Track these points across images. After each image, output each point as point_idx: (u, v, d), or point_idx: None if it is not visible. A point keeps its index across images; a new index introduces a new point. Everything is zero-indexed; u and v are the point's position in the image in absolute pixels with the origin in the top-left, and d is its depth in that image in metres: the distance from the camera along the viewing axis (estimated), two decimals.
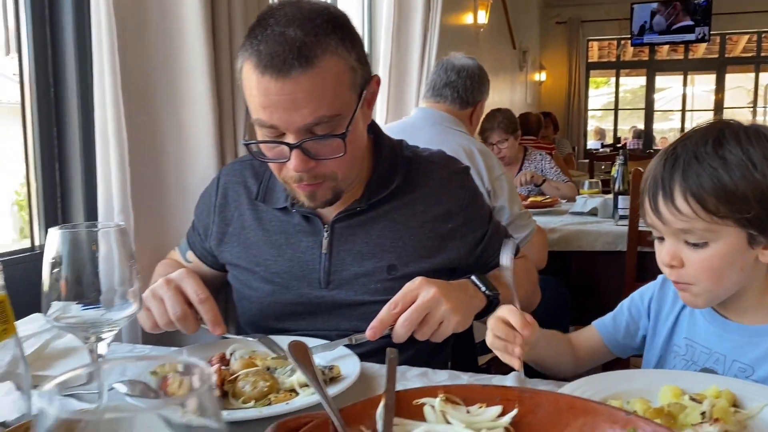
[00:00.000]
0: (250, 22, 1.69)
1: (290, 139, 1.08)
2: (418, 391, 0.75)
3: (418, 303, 1.04)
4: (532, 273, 1.46)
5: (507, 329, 0.98)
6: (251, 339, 1.11)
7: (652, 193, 1.01)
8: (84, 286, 0.80)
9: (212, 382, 0.36)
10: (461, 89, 2.45)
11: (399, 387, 0.97)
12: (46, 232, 1.52)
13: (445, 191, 1.29)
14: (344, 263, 1.25)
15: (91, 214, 1.53)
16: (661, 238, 1.05)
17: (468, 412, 0.73)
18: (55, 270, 0.78)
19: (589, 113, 11.56)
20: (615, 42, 11.08)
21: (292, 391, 0.94)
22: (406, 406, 0.73)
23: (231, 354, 1.07)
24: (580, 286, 2.75)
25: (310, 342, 1.07)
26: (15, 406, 0.77)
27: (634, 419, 0.66)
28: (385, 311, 1.05)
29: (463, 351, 1.42)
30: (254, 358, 1.04)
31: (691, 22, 9.43)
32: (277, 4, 1.11)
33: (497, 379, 1.01)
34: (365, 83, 1.15)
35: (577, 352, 1.21)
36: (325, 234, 1.26)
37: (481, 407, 0.73)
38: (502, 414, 0.72)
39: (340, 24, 1.10)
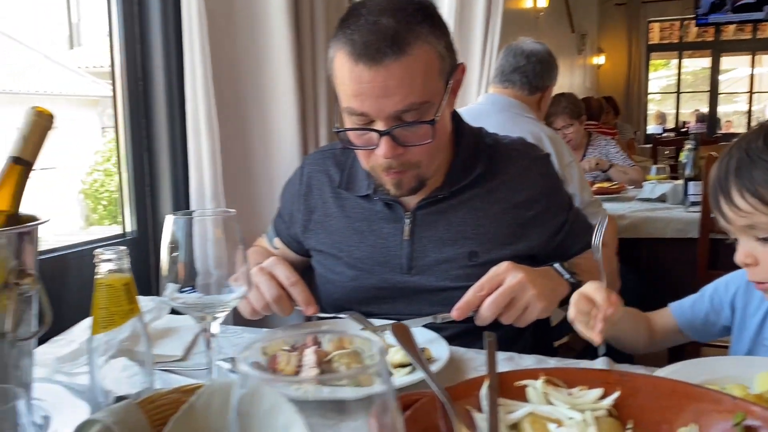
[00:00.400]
0: (332, 18, 1.76)
1: (380, 126, 1.11)
2: (520, 373, 0.77)
3: (504, 287, 1.07)
4: (612, 261, 1.46)
5: (590, 305, 1.01)
6: (343, 316, 1.16)
7: (715, 196, 1.06)
8: (198, 270, 0.85)
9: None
10: (530, 75, 2.42)
11: None
12: (137, 219, 1.61)
13: (526, 178, 1.30)
14: (426, 249, 1.27)
15: (178, 201, 1.60)
16: (736, 240, 1.07)
17: (570, 394, 0.75)
18: (173, 254, 0.83)
19: (648, 97, 11.22)
20: (678, 23, 10.71)
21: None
22: (507, 387, 0.75)
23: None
24: (650, 273, 2.71)
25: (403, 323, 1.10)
26: (132, 381, 0.83)
27: (742, 404, 0.66)
28: (471, 293, 1.08)
29: (540, 336, 1.43)
30: (343, 340, 1.07)
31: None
32: None
33: (584, 363, 1.02)
34: (452, 71, 1.17)
35: (652, 333, 1.23)
36: (407, 221, 1.28)
37: (582, 389, 0.75)
38: (603, 396, 0.74)
39: (430, 13, 1.12)
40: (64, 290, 1.40)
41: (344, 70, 1.10)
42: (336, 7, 1.73)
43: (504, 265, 1.10)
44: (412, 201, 1.29)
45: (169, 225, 0.83)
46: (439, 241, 1.27)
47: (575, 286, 1.16)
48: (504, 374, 0.77)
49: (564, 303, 1.15)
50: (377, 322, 1.18)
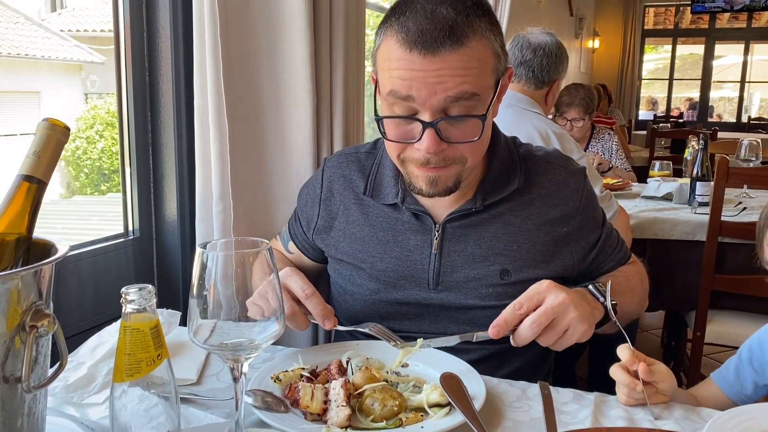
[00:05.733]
0: (351, 15, 1.66)
1: (425, 116, 1.04)
2: None
3: (546, 306, 1.00)
4: (645, 280, 1.38)
5: (629, 375, 0.96)
6: (364, 330, 1.08)
7: (761, 232, 1.07)
8: (227, 305, 0.78)
9: None
10: (537, 69, 2.35)
11: (523, 404, 0.95)
12: (140, 219, 1.53)
13: (561, 193, 1.24)
14: (455, 265, 1.21)
15: (184, 201, 1.52)
16: None
17: None
18: (201, 290, 0.76)
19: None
20: (673, 8, 10.63)
21: (419, 410, 0.92)
22: None
23: (347, 362, 1.05)
24: (655, 274, 2.67)
25: (432, 341, 1.03)
26: (152, 418, 0.76)
27: None
28: (509, 311, 1.01)
29: (564, 360, 1.38)
30: (370, 368, 1.01)
31: None
32: None
33: (640, 417, 0.97)
34: (503, 73, 1.10)
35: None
36: (436, 234, 1.21)
37: None
38: None
39: (488, 9, 1.07)
40: (65, 295, 1.32)
41: (394, 55, 1.03)
42: (355, 5, 1.63)
43: (545, 284, 1.03)
44: (442, 212, 1.22)
45: (200, 257, 0.76)
46: (470, 256, 1.21)
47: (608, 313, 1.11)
48: None
49: (598, 326, 1.10)
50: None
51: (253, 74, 1.44)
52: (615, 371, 0.97)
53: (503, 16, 3.20)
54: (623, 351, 0.98)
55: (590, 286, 1.13)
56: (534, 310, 1.00)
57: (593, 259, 1.29)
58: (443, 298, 1.21)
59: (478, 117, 1.05)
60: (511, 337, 1.02)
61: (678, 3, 10.17)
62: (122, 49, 1.45)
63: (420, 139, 1.05)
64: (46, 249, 0.78)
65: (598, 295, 1.12)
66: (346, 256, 1.28)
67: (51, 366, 0.76)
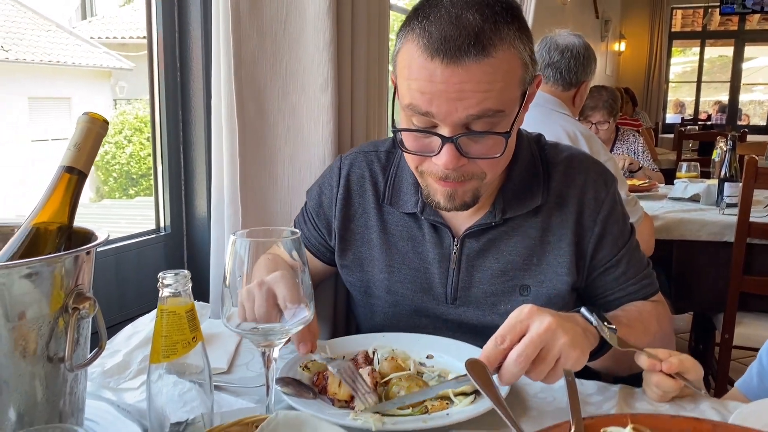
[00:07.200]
0: (373, 12, 1.66)
1: (445, 131, 0.98)
2: (605, 419, 0.73)
3: (532, 334, 0.87)
4: (665, 323, 1.21)
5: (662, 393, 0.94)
6: (331, 368, 0.95)
7: None
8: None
9: None
10: (564, 70, 2.36)
11: (548, 395, 0.96)
12: (171, 215, 1.57)
13: (583, 201, 1.17)
14: (473, 280, 1.18)
15: (211, 199, 1.55)
16: None
17: None
18: (234, 277, 0.78)
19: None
20: (701, 10, 10.49)
21: (444, 398, 0.93)
22: None
23: (374, 352, 1.07)
24: (681, 275, 2.65)
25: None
26: (186, 402, 0.79)
27: None
28: (490, 347, 0.88)
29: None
30: (395, 358, 1.03)
31: None
32: None
33: (665, 409, 0.97)
34: (530, 82, 1.04)
35: None
36: (454, 248, 1.18)
37: None
38: None
39: (517, 14, 1.00)
40: (100, 288, 1.36)
41: (415, 63, 0.97)
42: (378, 8, 1.65)
43: (525, 310, 0.90)
44: (461, 225, 1.18)
45: (233, 245, 0.78)
46: (488, 271, 1.17)
47: (605, 336, 0.96)
48: (589, 421, 0.72)
49: (594, 355, 0.96)
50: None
51: (269, 75, 1.43)
52: (652, 378, 0.95)
53: (528, 19, 3.20)
54: (640, 358, 0.95)
55: (582, 310, 1.00)
56: (518, 341, 0.87)
57: (597, 278, 1.20)
58: (461, 313, 1.19)
59: (503, 134, 0.99)
60: (496, 376, 0.87)
61: (706, 4, 10.02)
62: (155, 52, 1.49)
63: (438, 153, 1.00)
64: (86, 237, 0.81)
65: (590, 318, 0.97)
66: (363, 265, 1.24)
67: (91, 350, 0.79)
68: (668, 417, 0.73)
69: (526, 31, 1.01)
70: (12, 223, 0.85)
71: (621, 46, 9.76)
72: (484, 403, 0.88)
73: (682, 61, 12.18)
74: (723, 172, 2.76)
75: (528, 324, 0.88)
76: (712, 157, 3.38)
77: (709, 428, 0.70)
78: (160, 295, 0.73)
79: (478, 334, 1.10)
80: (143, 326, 1.12)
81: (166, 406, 0.76)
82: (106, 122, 0.85)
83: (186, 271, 0.74)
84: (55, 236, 0.82)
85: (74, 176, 0.82)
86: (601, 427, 0.71)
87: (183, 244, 1.59)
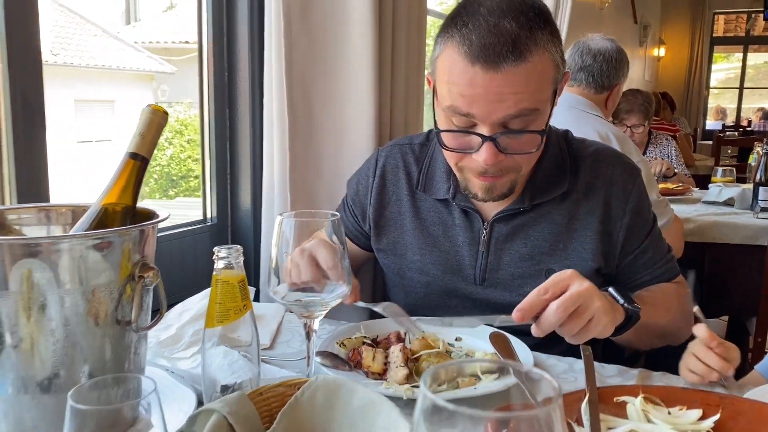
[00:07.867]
0: (413, 17, 1.76)
1: (484, 130, 1.06)
2: (618, 389, 0.79)
3: (572, 291, 0.95)
4: (685, 302, 1.29)
5: (705, 369, 0.95)
6: (378, 309, 1.06)
7: None
8: None
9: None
10: (597, 74, 2.39)
11: (570, 376, 1.01)
12: (217, 206, 1.67)
13: (611, 192, 1.24)
14: (501, 263, 1.25)
15: (257, 191, 1.65)
16: None
17: (669, 413, 0.76)
18: (280, 253, 0.86)
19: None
20: (744, 15, 10.32)
21: (473, 375, 1.00)
22: (606, 402, 0.77)
23: (405, 333, 1.14)
24: (714, 279, 2.66)
25: (454, 320, 1.10)
26: (234, 369, 0.87)
27: None
28: (534, 295, 0.96)
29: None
30: (427, 337, 1.10)
31: None
32: None
33: (675, 379, 1.02)
34: (560, 80, 1.12)
35: None
36: (484, 232, 1.25)
37: (681, 409, 0.76)
38: (702, 417, 0.75)
39: (548, 18, 1.08)
40: None
41: (456, 69, 1.05)
42: (418, 5, 1.74)
43: (569, 272, 0.99)
44: (490, 210, 1.26)
45: (279, 225, 0.87)
46: (515, 255, 1.24)
47: (632, 313, 1.04)
48: (602, 389, 0.78)
49: (619, 331, 1.04)
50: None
51: (316, 76, 1.55)
52: (698, 351, 0.97)
53: (563, 23, 3.24)
54: (700, 329, 0.98)
55: (610, 289, 1.08)
56: (559, 296, 0.95)
57: (628, 264, 1.27)
58: (489, 294, 1.25)
59: (539, 133, 1.08)
60: (533, 325, 0.96)
61: (750, 9, 9.86)
62: (204, 55, 1.60)
63: (478, 150, 1.08)
64: (149, 216, 0.90)
65: (618, 297, 1.06)
66: (396, 248, 1.32)
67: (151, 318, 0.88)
68: (678, 389, 0.78)
69: (556, 32, 1.09)
70: (82, 205, 0.95)
71: (660, 51, 9.65)
72: (510, 379, 0.94)
73: (725, 67, 11.97)
74: (759, 176, 2.75)
75: (569, 283, 0.97)
76: (749, 162, 3.37)
77: (716, 400, 0.75)
78: (215, 266, 0.82)
79: (507, 313, 1.15)
80: (192, 305, 1.21)
81: (218, 371, 0.85)
82: (166, 113, 0.94)
83: (238, 246, 0.82)
84: (121, 216, 0.91)
85: (138, 162, 0.91)
86: (614, 396, 0.77)
87: (228, 233, 1.68)
